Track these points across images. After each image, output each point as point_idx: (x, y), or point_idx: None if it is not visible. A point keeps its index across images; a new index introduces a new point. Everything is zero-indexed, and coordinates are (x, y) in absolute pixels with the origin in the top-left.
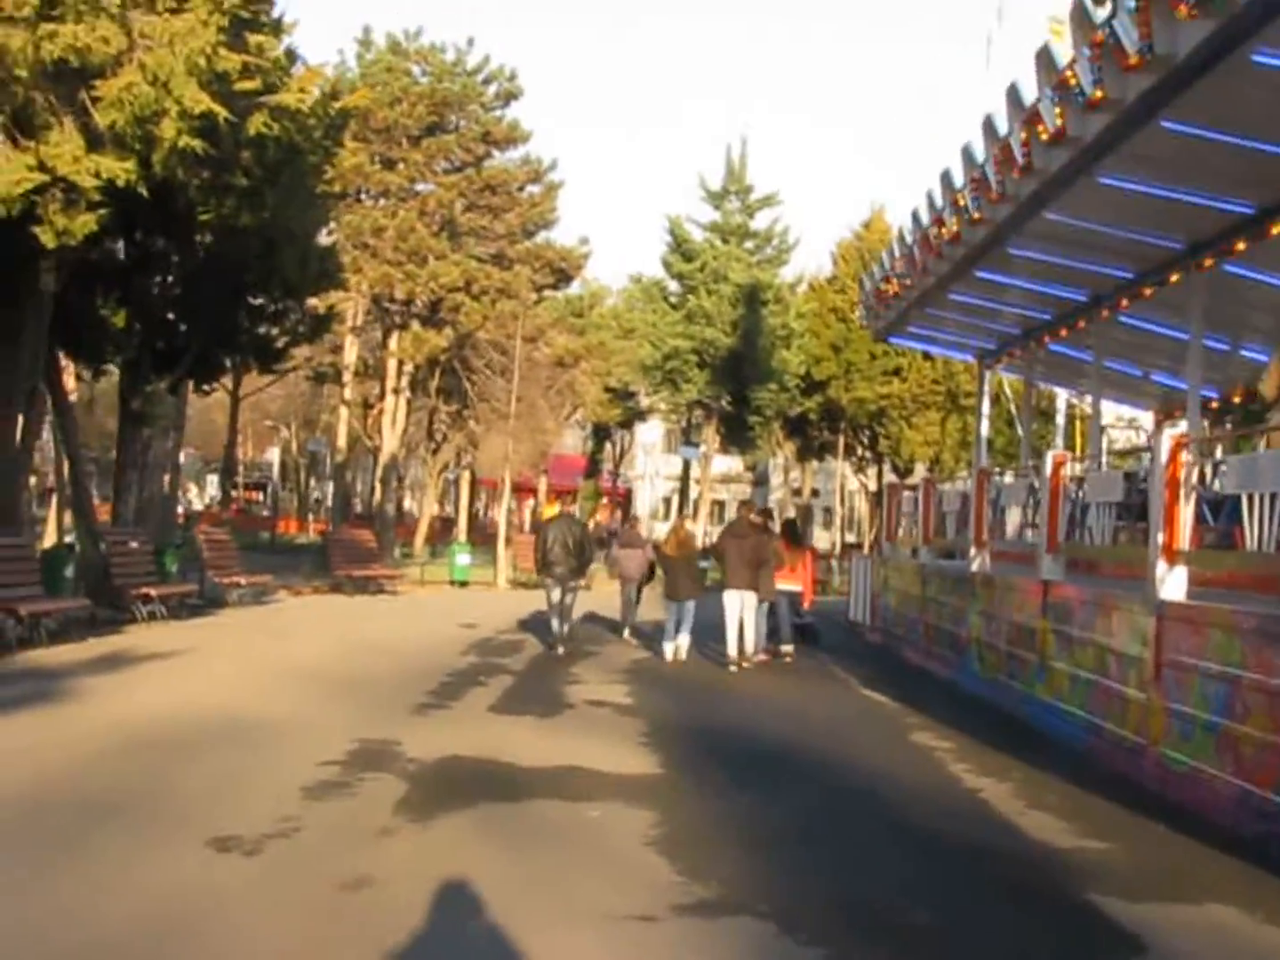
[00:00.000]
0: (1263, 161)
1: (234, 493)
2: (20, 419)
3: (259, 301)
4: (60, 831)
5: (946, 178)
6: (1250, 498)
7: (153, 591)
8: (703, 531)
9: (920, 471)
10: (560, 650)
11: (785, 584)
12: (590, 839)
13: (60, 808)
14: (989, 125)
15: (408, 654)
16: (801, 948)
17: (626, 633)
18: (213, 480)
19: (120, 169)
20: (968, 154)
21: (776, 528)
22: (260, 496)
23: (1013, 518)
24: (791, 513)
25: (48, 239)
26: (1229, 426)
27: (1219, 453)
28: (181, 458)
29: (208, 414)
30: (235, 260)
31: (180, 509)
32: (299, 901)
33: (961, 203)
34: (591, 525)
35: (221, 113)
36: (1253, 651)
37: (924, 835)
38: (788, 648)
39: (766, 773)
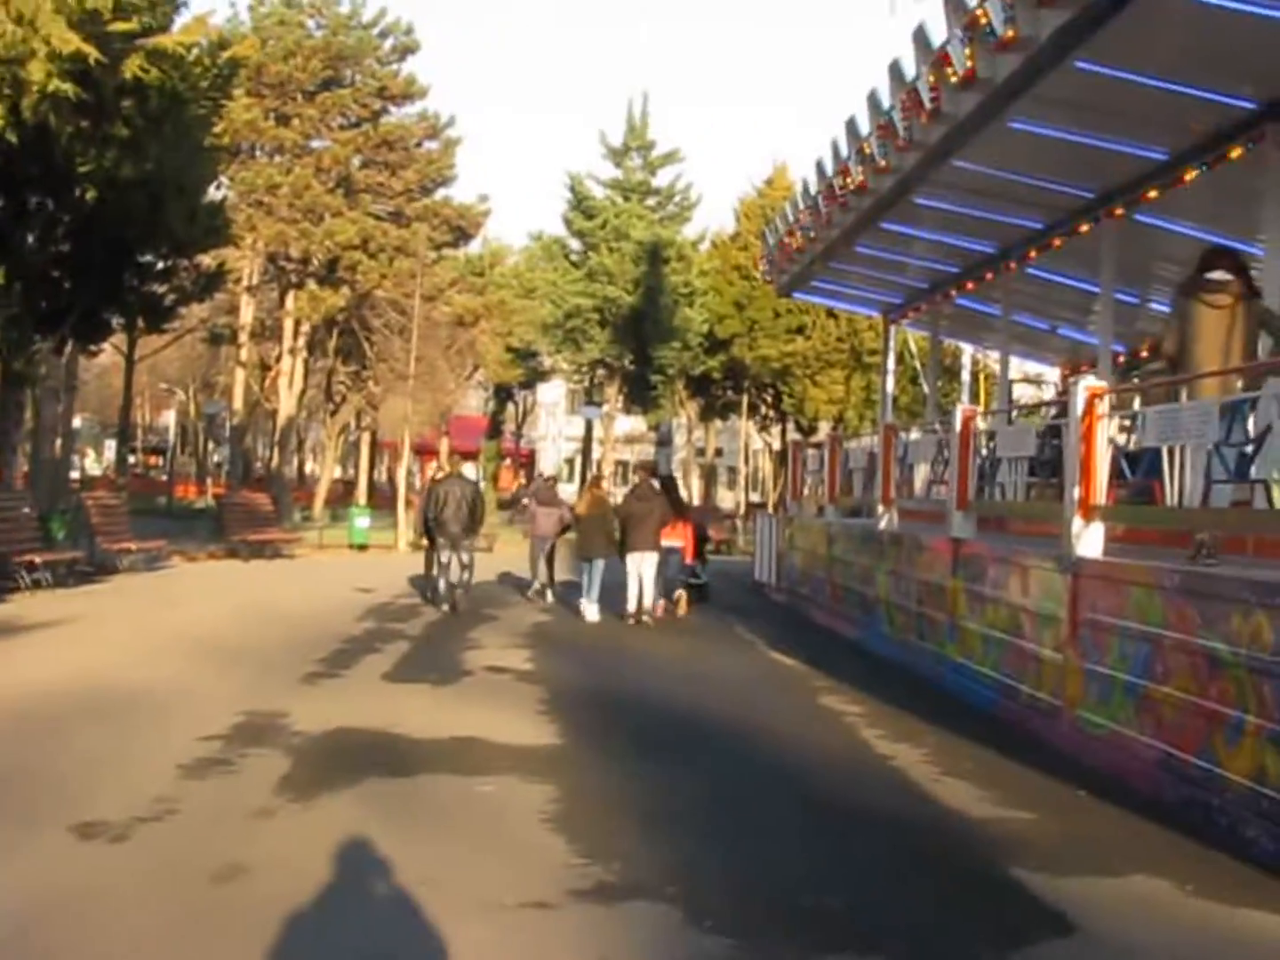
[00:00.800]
0: (1177, 105)
1: (132, 457)
2: None
3: (146, 258)
4: None
5: (852, 126)
6: (1170, 451)
7: (37, 559)
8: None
9: (824, 430)
10: (458, 610)
11: (667, 541)
12: (483, 817)
13: None
14: (895, 69)
15: (301, 620)
16: (707, 936)
17: (532, 591)
18: (111, 445)
19: None
20: (874, 101)
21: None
22: (161, 461)
23: (921, 475)
24: (695, 473)
25: None
26: (1135, 380)
27: (1136, 405)
28: (77, 422)
29: (105, 378)
30: (120, 215)
31: (75, 474)
32: (164, 894)
33: (868, 151)
34: (515, 487)
35: (92, 53)
36: (1174, 610)
37: (836, 807)
38: (678, 592)
39: (670, 741)
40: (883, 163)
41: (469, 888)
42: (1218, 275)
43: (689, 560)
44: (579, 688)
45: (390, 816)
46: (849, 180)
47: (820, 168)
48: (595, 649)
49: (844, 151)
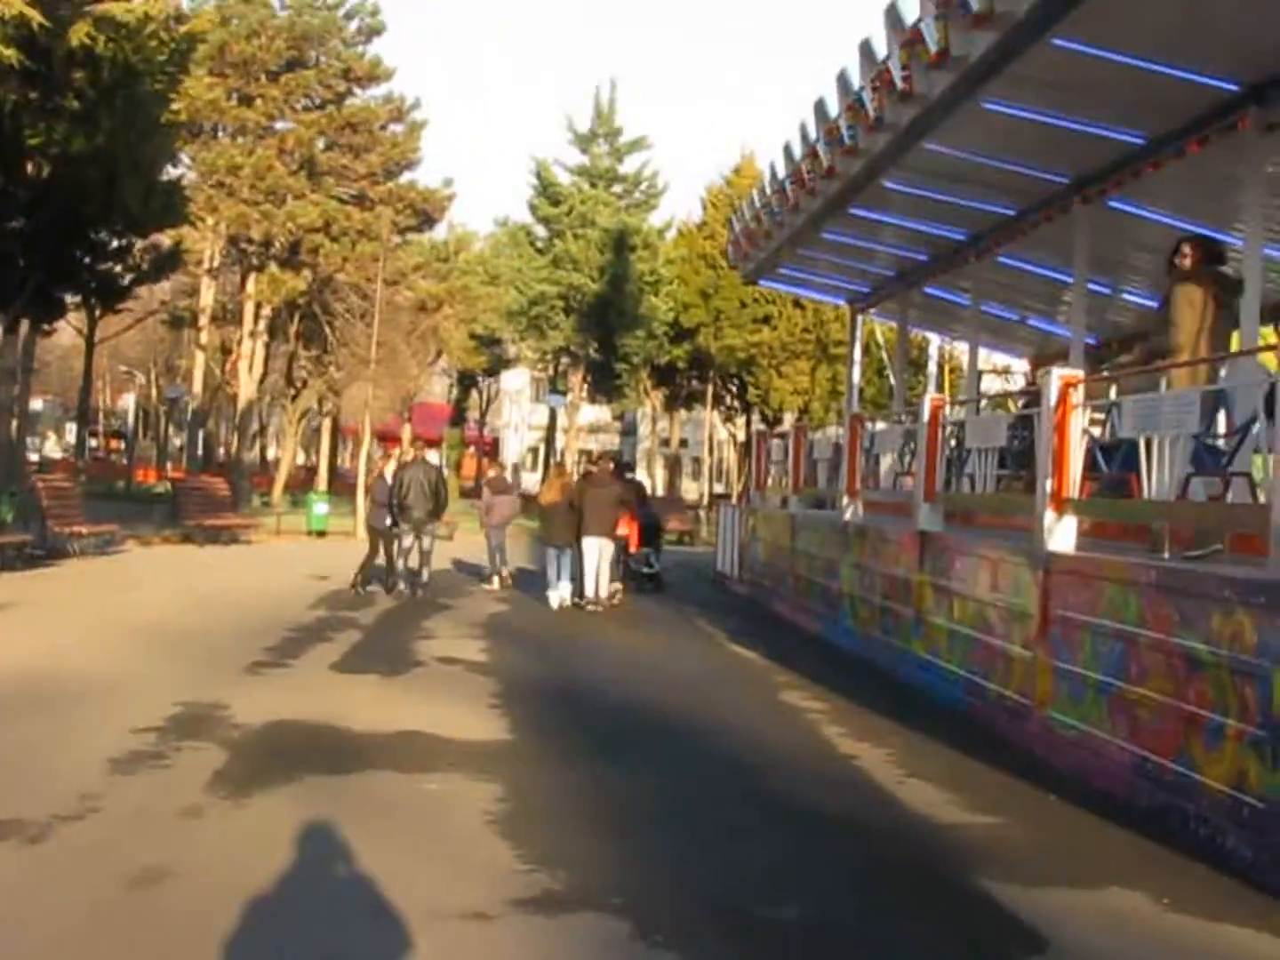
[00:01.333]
0: (1157, 85)
1: (94, 441)
2: None
3: (101, 236)
4: None
5: (821, 108)
6: (1148, 442)
7: None
8: None
9: (789, 421)
10: (418, 595)
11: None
12: (425, 818)
13: None
14: (866, 48)
15: (252, 608)
16: (657, 951)
17: (496, 581)
18: (72, 428)
19: None
20: (843, 81)
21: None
22: (123, 445)
23: (886, 466)
24: (659, 463)
25: None
26: (1102, 371)
27: (1113, 394)
28: (39, 404)
29: (67, 360)
30: (73, 191)
31: (35, 456)
32: (79, 901)
33: (836, 134)
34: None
35: (36, 18)
36: (1151, 607)
37: (796, 810)
38: (616, 585)
39: (625, 738)
40: (851, 145)
41: (406, 896)
42: (1220, 266)
43: (633, 549)
44: (532, 680)
45: (326, 817)
46: (817, 164)
47: (788, 151)
48: (551, 640)
49: (812, 134)
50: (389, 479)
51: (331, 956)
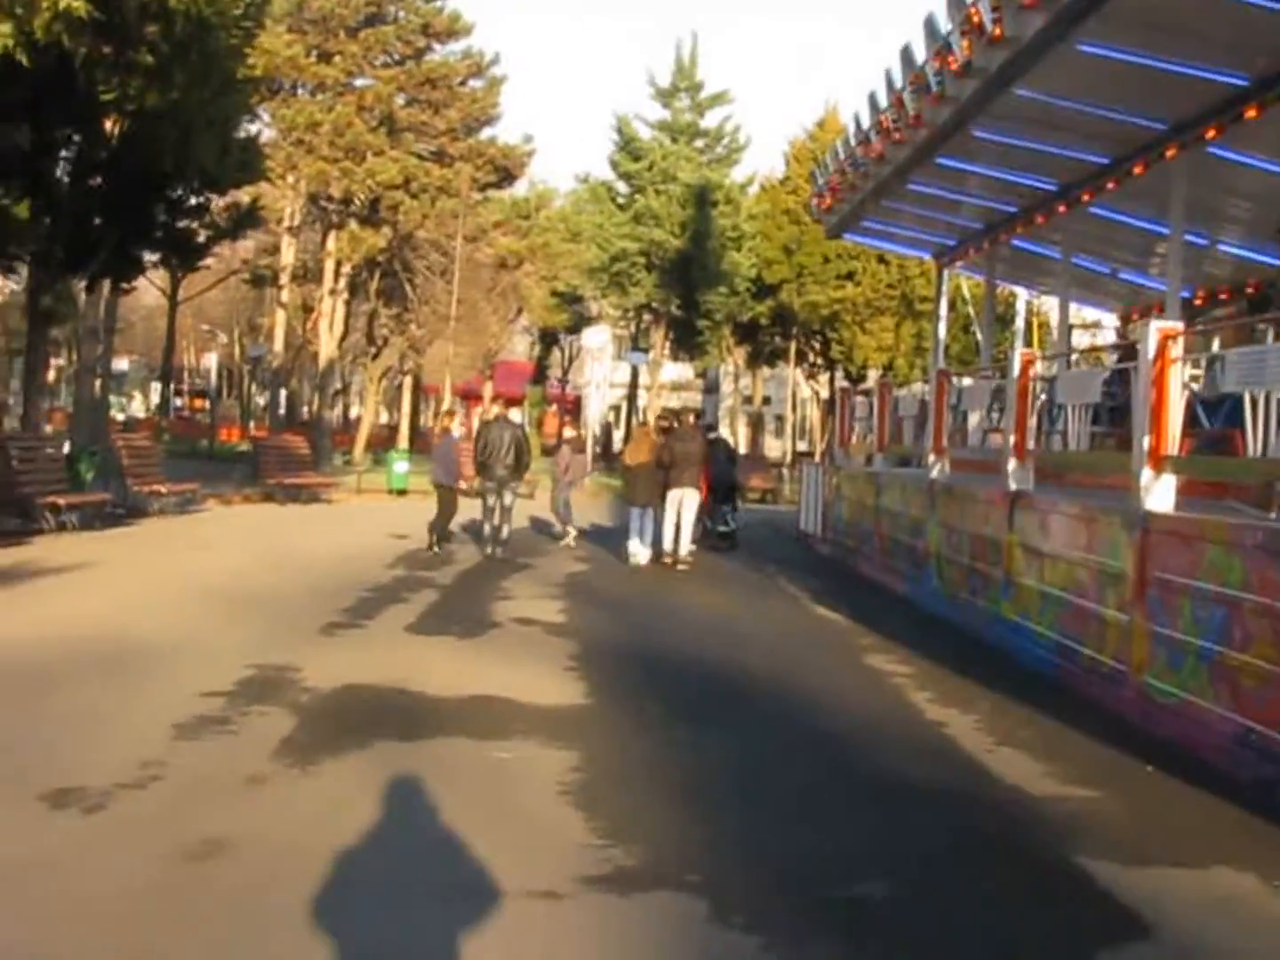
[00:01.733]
0: (1261, 22)
1: (178, 400)
2: None
3: (177, 193)
4: None
5: (907, 54)
6: (1254, 397)
7: (62, 501)
8: None
9: (873, 378)
10: (498, 553)
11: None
12: (496, 788)
13: None
14: None
15: (329, 567)
16: (735, 934)
17: (572, 535)
18: (157, 387)
19: None
20: (931, 26)
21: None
22: (207, 404)
23: (974, 424)
24: (741, 421)
25: None
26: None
27: (1215, 347)
28: (125, 364)
29: (152, 320)
30: (149, 148)
31: (121, 416)
32: (130, 875)
33: (923, 81)
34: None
35: None
36: (1257, 570)
37: (881, 780)
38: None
39: (703, 703)
40: (939, 92)
41: (474, 872)
42: None
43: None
44: (611, 642)
45: (394, 786)
46: (903, 113)
47: (873, 101)
48: (630, 600)
49: (898, 82)
50: (455, 435)
51: (393, 935)
